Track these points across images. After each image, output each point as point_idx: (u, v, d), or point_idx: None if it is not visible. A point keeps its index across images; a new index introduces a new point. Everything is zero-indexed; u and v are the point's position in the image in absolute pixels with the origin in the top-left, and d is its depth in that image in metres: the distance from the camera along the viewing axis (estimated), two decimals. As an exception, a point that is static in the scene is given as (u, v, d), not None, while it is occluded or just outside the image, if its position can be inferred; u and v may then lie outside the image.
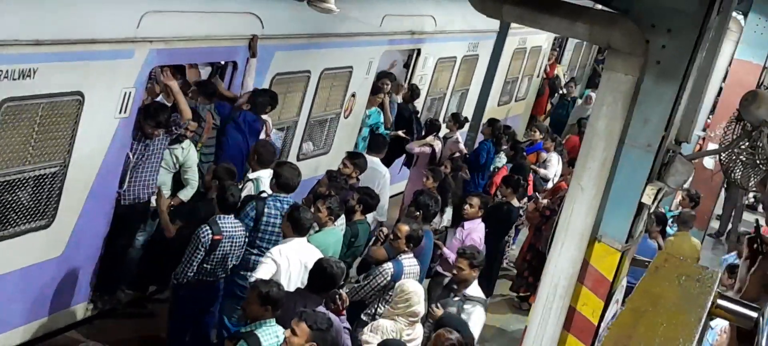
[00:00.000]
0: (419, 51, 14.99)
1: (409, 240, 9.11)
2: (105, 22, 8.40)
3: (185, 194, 10.04)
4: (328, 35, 11.98)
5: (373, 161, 11.86)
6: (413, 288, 8.43)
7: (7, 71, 7.42)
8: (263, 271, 8.16)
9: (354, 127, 13.89)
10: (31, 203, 8.29)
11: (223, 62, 10.75)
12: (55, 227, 8.60)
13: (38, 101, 7.87)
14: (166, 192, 9.92)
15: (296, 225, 8.58)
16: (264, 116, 10.93)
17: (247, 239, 8.89)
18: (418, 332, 8.46)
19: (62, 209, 8.58)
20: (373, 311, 8.90)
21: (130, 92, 8.90)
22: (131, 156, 9.32)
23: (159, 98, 9.96)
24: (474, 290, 9.02)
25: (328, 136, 13.29)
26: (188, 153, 9.96)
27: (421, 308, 8.42)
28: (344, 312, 8.22)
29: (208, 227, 8.52)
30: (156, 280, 10.40)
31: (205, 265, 8.58)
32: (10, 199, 8.06)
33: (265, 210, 9.02)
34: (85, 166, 8.70)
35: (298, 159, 12.48)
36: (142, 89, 9.17)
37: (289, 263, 8.39)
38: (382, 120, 14.22)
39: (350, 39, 12.82)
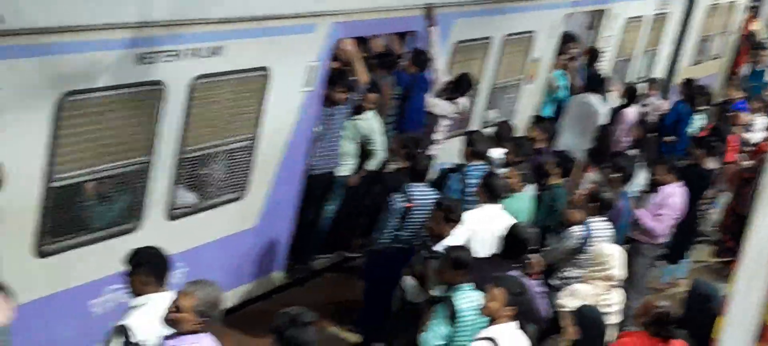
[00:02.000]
0: (605, 11, 14.60)
1: (593, 201, 8.93)
2: (288, -2, 8.68)
3: (371, 165, 10.24)
4: (508, 0, 11.88)
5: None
6: (610, 251, 8.29)
7: (198, 49, 7.78)
8: (455, 236, 8.20)
9: (537, 92, 13.73)
10: (223, 176, 8.67)
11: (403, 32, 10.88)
12: (248, 200, 8.97)
13: (227, 78, 8.21)
14: (351, 163, 10.15)
15: (490, 191, 8.63)
16: (461, 99, 11.03)
17: None
18: (616, 296, 8.30)
19: (253, 181, 8.94)
20: (565, 274, 8.80)
21: (314, 66, 9.14)
22: (317, 128, 9.58)
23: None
24: None
25: (512, 102, 13.18)
26: (371, 123, 10.13)
27: (618, 272, 8.25)
28: (539, 276, 8.15)
29: (400, 195, 8.71)
30: (347, 247, 10.68)
31: (398, 232, 8.75)
32: (203, 173, 8.46)
33: (466, 180, 9.23)
34: (274, 140, 9.02)
35: (484, 127, 12.47)
36: (326, 63, 9.40)
37: (483, 228, 8.42)
38: (568, 83, 13.98)
39: (532, 3, 12.67)
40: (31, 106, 6.58)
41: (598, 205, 8.93)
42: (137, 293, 5.93)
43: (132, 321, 5.78)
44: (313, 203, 9.94)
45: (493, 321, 6.77)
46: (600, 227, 8.91)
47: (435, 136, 11.10)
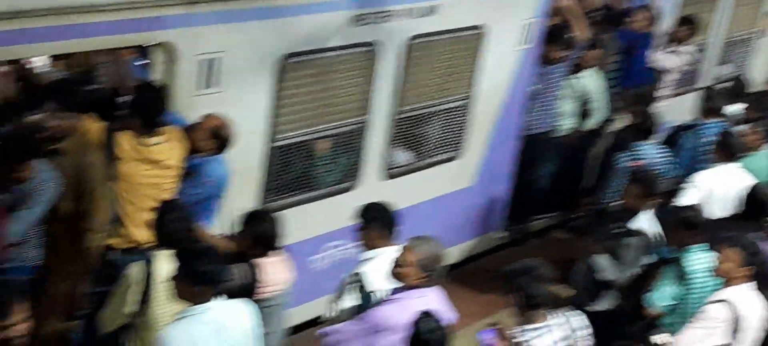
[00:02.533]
0: None
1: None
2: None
3: (590, 124, 9.98)
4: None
5: None
6: None
7: (413, 9, 7.83)
8: (688, 197, 7.97)
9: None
10: (439, 136, 8.72)
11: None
12: (464, 159, 8.98)
13: (442, 37, 8.22)
14: (570, 122, 9.92)
15: (727, 150, 8.29)
16: (684, 47, 10.54)
17: (672, 166, 8.72)
18: None
19: (469, 141, 8.93)
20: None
21: (530, 23, 8.99)
22: (534, 87, 9.43)
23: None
24: None
25: (744, 57, 12.45)
26: (590, 82, 9.85)
27: None
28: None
29: (627, 154, 8.49)
30: (567, 207, 10.48)
31: None
32: (419, 133, 8.54)
33: (702, 138, 8.95)
34: (489, 99, 8.96)
35: (716, 84, 11.87)
36: (543, 19, 9.21)
37: (719, 189, 8.07)
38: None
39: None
40: (255, 68, 6.85)
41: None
42: (368, 246, 6.10)
43: (366, 270, 5.96)
44: (531, 163, 9.79)
45: (727, 283, 6.48)
46: None
47: (660, 93, 10.66)
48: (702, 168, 8.36)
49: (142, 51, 6.96)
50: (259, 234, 5.95)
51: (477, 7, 8.37)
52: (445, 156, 8.81)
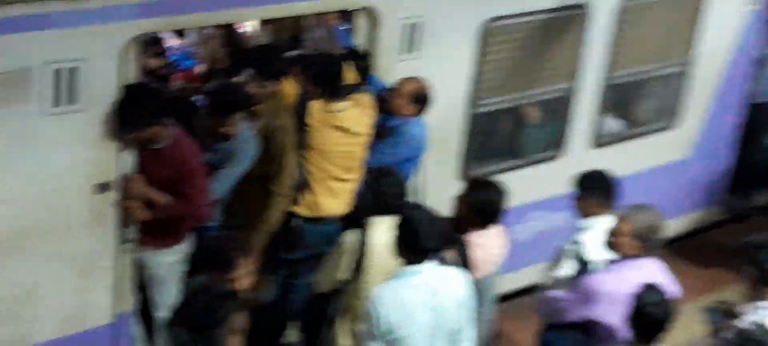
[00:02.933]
0: None
1: None
2: None
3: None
4: None
5: None
6: None
7: (622, -29, 7.42)
8: None
9: None
10: (653, 104, 8.25)
11: None
12: (680, 129, 8.46)
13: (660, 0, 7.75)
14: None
15: None
16: None
17: None
18: None
19: (686, 110, 8.40)
20: None
21: (762, -19, 8.34)
22: (763, 51, 8.75)
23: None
24: None
25: None
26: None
27: None
28: None
29: None
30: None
31: None
32: (631, 100, 8.12)
33: None
34: (710, 65, 8.39)
35: None
36: (773, -22, 8.52)
37: None
38: None
39: None
40: (455, 32, 6.69)
41: None
42: (585, 215, 5.91)
43: (583, 239, 5.80)
44: (756, 134, 9.11)
45: None
46: None
47: None
48: None
49: (347, 16, 6.96)
50: (480, 203, 5.64)
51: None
52: (659, 125, 8.34)
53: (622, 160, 8.04)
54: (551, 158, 7.67)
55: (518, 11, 6.90)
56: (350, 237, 5.43)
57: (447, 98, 6.76)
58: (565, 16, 7.25)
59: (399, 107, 6.28)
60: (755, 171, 9.36)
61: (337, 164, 6.15)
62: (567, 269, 5.78)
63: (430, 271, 4.92)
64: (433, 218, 4.95)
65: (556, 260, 5.90)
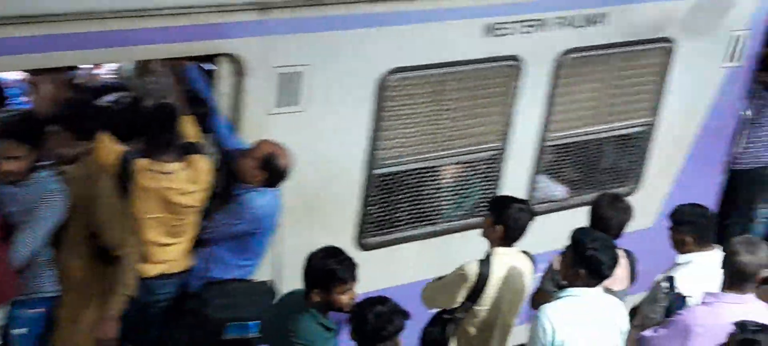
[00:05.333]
0: None
1: None
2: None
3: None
4: None
5: None
6: None
7: (570, 18, 6.47)
8: None
9: None
10: (608, 166, 7.31)
11: None
12: (639, 196, 7.46)
13: (612, 51, 6.78)
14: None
15: None
16: None
17: None
18: None
19: (648, 174, 7.41)
20: None
21: (739, 36, 7.28)
22: (746, 112, 7.71)
23: None
24: None
25: None
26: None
27: None
28: None
29: None
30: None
31: None
32: (578, 162, 7.19)
33: None
34: (680, 126, 7.39)
35: None
36: (759, 33, 7.46)
37: None
38: None
39: None
40: (348, 84, 5.86)
41: None
42: (681, 250, 5.78)
43: (678, 275, 5.66)
44: (738, 204, 8.05)
45: None
46: None
47: None
48: None
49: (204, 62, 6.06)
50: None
51: (659, 18, 6.83)
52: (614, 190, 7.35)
53: (558, 230, 7.14)
54: (475, 226, 6.77)
55: (426, 62, 6.03)
56: (473, 267, 5.49)
57: (337, 157, 5.94)
58: (494, 69, 6.36)
59: (244, 173, 5.46)
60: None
61: (160, 231, 5.41)
62: (661, 304, 5.64)
63: (595, 294, 5.10)
64: (609, 244, 5.12)
65: (652, 295, 5.71)
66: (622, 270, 5.65)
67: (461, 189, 6.71)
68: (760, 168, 7.98)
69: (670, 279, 5.63)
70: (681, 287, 5.59)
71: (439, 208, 6.64)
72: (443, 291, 5.65)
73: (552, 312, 5.06)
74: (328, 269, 4.86)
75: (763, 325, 4.74)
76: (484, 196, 6.73)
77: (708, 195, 7.86)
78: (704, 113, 7.49)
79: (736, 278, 5.19)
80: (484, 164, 6.67)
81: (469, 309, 5.53)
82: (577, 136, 7.00)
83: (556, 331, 5.01)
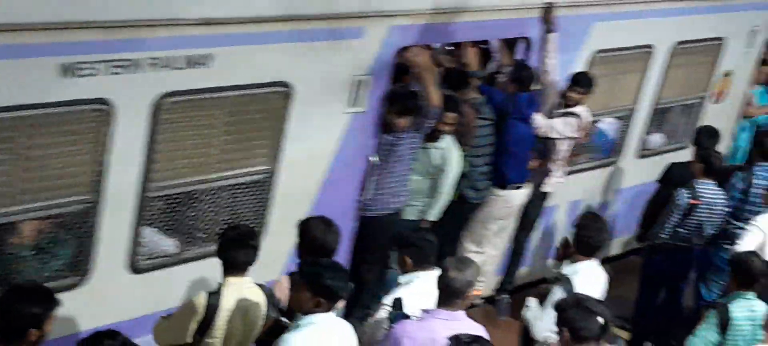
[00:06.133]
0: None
1: None
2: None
3: (433, 213, 8.02)
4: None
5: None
6: None
7: (166, 59, 5.97)
8: (747, 241, 7.82)
9: (730, 114, 10.94)
10: (229, 215, 6.86)
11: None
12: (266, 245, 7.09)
13: (221, 95, 6.36)
14: (422, 202, 8.00)
15: None
16: (578, 108, 8.57)
17: (730, 210, 8.48)
18: None
19: (274, 221, 7.05)
20: None
21: (361, 80, 7.10)
22: (374, 158, 7.54)
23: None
24: None
25: (689, 125, 10.45)
26: (448, 154, 7.89)
27: None
28: None
29: (686, 191, 8.23)
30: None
31: (679, 229, 8.31)
32: (199, 210, 6.71)
33: (753, 180, 8.65)
34: (303, 172, 7.09)
35: (641, 156, 10.02)
36: (385, 77, 7.33)
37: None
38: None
39: (718, 3, 9.92)
40: None
41: None
42: (403, 271, 6.10)
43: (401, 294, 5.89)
44: (372, 250, 7.85)
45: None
46: None
47: (554, 166, 8.73)
48: (752, 210, 8.33)
49: None
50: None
51: (277, 59, 6.53)
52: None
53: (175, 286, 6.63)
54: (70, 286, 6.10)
55: None
56: (201, 299, 5.44)
57: None
58: (76, 113, 5.75)
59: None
60: (368, 296, 8.07)
61: None
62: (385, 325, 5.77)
63: (324, 320, 5.25)
64: (341, 269, 5.43)
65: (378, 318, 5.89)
66: None
67: (50, 246, 6.02)
68: (389, 215, 7.80)
69: (398, 300, 5.79)
70: (406, 306, 5.77)
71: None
72: (173, 326, 5.57)
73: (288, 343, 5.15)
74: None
75: (476, 336, 4.97)
76: (79, 251, 6.09)
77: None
78: (329, 160, 7.25)
79: (446, 295, 5.44)
80: (74, 218, 6.01)
81: (200, 343, 5.44)
82: (186, 185, 6.51)
83: None
